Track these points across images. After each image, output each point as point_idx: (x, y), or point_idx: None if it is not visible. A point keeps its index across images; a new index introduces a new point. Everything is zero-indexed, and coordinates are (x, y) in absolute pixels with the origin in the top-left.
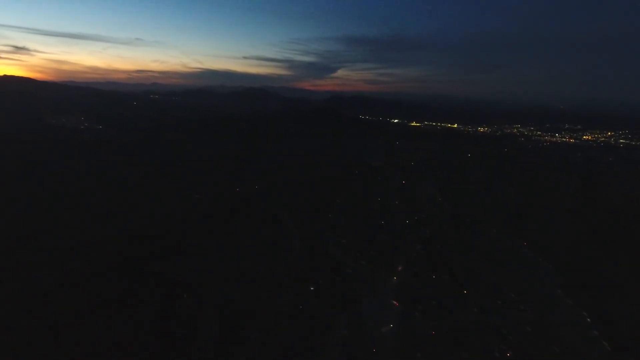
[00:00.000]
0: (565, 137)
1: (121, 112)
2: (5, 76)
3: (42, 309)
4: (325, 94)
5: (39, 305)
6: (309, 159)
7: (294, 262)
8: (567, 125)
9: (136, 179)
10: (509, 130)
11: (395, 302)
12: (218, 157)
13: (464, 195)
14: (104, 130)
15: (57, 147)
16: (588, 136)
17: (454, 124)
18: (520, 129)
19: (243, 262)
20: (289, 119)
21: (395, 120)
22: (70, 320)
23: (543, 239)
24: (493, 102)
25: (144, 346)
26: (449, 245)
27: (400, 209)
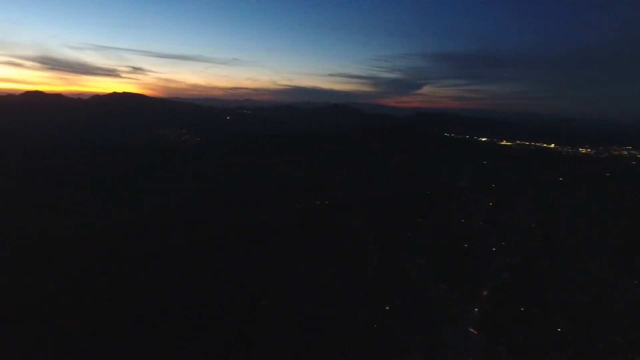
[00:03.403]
0: None
1: (217, 126)
2: (124, 93)
3: (129, 306)
4: (409, 110)
5: (126, 303)
6: (391, 176)
7: (371, 279)
8: None
9: (223, 189)
10: (617, 152)
11: (475, 331)
12: (301, 171)
13: (561, 223)
14: (202, 142)
15: (162, 156)
16: None
17: (551, 144)
18: (632, 151)
19: (321, 274)
20: (371, 136)
21: (484, 139)
22: (154, 317)
23: None
24: (598, 121)
25: (222, 346)
26: (541, 276)
27: (485, 233)
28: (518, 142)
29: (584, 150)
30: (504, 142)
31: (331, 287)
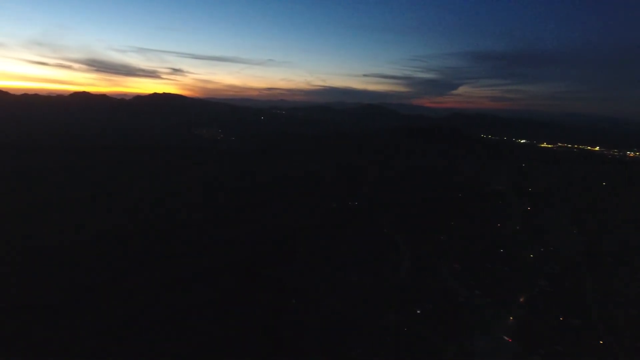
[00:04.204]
0: None
1: (251, 125)
2: (164, 93)
3: (162, 300)
4: (445, 111)
5: (160, 295)
6: (425, 178)
7: (402, 281)
8: None
9: (256, 187)
10: None
11: (509, 339)
12: (333, 171)
13: (606, 230)
14: (236, 141)
15: (198, 155)
16: None
17: (595, 147)
18: None
19: (352, 275)
20: (404, 136)
21: (523, 141)
22: (185, 312)
23: None
24: None
25: (252, 343)
26: (583, 286)
27: (523, 238)
28: (559, 144)
29: (632, 154)
30: (544, 145)
31: (362, 289)
